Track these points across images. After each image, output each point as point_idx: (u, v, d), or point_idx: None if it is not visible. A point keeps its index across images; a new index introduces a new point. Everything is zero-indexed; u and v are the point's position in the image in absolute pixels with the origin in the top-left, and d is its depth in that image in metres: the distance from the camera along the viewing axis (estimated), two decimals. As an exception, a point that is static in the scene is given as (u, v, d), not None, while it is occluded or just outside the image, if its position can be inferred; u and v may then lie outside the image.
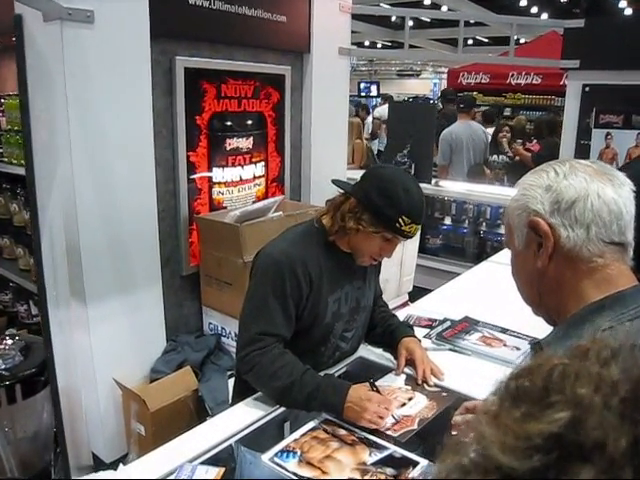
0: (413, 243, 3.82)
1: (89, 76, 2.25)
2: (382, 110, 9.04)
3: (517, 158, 5.73)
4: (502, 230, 4.46)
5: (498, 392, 0.40)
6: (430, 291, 2.69)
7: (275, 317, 1.59)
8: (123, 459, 2.50)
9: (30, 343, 2.38)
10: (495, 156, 5.97)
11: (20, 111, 2.11)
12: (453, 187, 4.84)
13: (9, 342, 2.32)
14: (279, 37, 3.25)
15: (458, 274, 3.05)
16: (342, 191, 1.67)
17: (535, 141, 5.87)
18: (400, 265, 3.79)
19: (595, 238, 0.85)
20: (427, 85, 18.23)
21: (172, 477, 1.30)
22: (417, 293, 3.63)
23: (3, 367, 2.19)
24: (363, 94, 15.07)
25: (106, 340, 2.46)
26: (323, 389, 1.52)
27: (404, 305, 3.69)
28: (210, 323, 3.02)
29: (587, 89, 3.82)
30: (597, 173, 0.87)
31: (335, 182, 1.68)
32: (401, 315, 2.19)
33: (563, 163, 0.90)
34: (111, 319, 2.47)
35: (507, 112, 9.09)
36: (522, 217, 0.91)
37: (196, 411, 2.51)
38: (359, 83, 15.48)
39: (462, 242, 4.71)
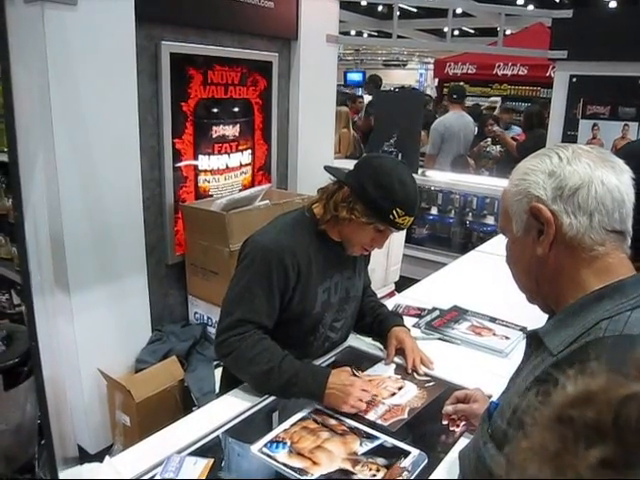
0: (400, 232, 3.80)
1: (72, 61, 2.19)
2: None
3: (492, 144, 5.76)
4: (488, 220, 4.48)
5: (546, 421, 0.32)
6: (416, 281, 2.68)
7: (258, 305, 1.57)
8: (108, 450, 2.48)
9: (12, 332, 2.32)
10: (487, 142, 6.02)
11: (3, 96, 2.04)
12: (440, 177, 4.83)
13: (-10, 331, 2.26)
14: (267, 23, 3.20)
15: (444, 264, 3.04)
16: (334, 179, 1.64)
17: (520, 131, 5.91)
18: (387, 254, 3.78)
19: (598, 226, 0.83)
20: (413, 75, 18.23)
21: (160, 468, 1.28)
22: (403, 283, 3.63)
23: (-16, 357, 2.13)
24: (349, 84, 15.05)
25: (90, 330, 2.42)
26: (302, 375, 1.51)
27: (391, 294, 3.70)
28: (196, 312, 2.99)
29: (574, 80, 3.83)
30: (599, 159, 0.85)
31: (328, 169, 1.64)
32: (389, 304, 2.18)
33: (566, 148, 0.88)
34: (96, 309, 2.43)
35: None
36: (522, 203, 0.89)
37: (182, 401, 2.49)
38: (345, 73, 15.46)
39: (448, 232, 4.71)
